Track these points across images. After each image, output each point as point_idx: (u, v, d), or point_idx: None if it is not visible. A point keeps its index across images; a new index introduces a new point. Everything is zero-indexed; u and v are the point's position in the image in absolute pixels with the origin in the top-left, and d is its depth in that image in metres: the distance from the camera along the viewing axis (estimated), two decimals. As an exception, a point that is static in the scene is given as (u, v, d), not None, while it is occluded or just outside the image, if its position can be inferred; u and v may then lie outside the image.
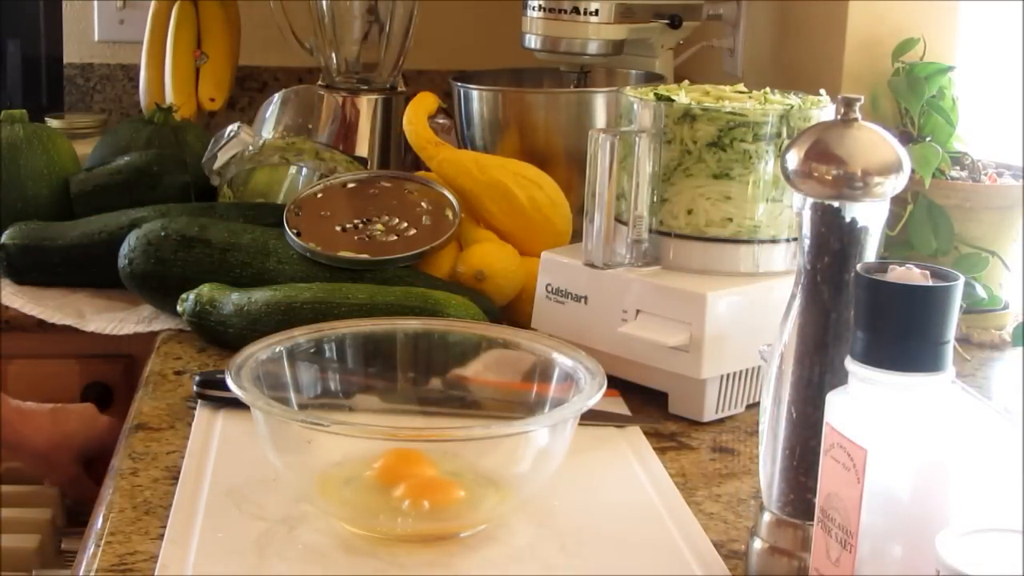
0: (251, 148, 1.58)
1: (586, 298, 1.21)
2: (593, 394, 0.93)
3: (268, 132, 1.73)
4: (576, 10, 1.60)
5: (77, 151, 1.73)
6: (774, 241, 1.18)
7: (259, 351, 0.97)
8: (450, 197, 1.43)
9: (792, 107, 1.17)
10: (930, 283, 0.72)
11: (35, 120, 1.75)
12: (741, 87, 1.26)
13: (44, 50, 2.07)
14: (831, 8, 1.53)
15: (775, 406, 0.84)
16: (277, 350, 0.99)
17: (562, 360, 1.01)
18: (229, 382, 0.91)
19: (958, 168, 1.39)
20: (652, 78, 1.62)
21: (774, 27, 1.70)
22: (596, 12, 1.60)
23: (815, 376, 0.82)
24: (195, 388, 1.15)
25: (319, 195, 1.44)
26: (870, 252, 0.81)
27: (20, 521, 1.29)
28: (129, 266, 1.40)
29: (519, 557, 0.90)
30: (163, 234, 1.38)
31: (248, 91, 2.22)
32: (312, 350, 1.01)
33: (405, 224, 1.40)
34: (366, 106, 1.75)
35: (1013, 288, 1.38)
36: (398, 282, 1.34)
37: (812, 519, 0.79)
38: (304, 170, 1.56)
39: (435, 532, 0.92)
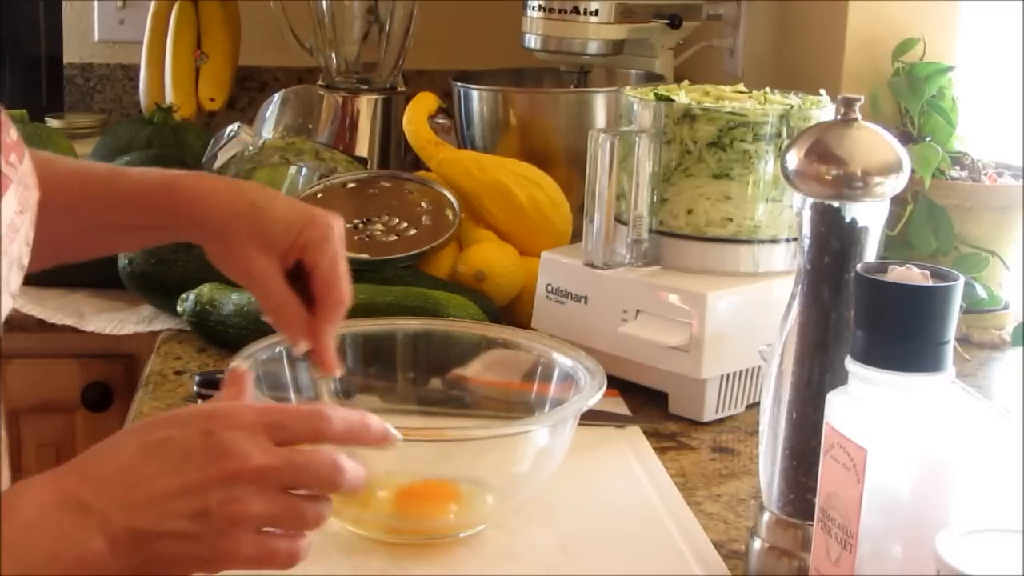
0: (251, 148, 1.58)
1: (586, 298, 1.21)
2: (593, 394, 0.93)
3: (268, 132, 1.73)
4: (576, 10, 1.60)
5: (77, 151, 1.73)
6: (774, 241, 1.18)
7: (259, 351, 0.97)
8: (450, 197, 1.43)
9: (792, 107, 1.17)
10: (930, 283, 0.72)
11: (35, 120, 1.75)
12: (741, 87, 1.26)
13: (44, 50, 2.07)
14: (831, 8, 1.53)
15: (775, 406, 0.84)
16: (277, 350, 0.99)
17: (562, 360, 1.01)
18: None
19: (958, 168, 1.39)
20: (652, 78, 1.62)
21: (774, 27, 1.70)
22: (596, 12, 1.60)
23: (815, 376, 0.82)
24: (195, 388, 1.15)
25: (319, 195, 1.44)
26: (870, 252, 0.81)
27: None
28: (129, 266, 1.40)
29: (519, 557, 0.90)
30: (163, 234, 1.38)
31: (248, 91, 2.22)
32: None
33: (405, 224, 1.40)
34: (366, 106, 1.75)
35: (1013, 288, 1.38)
36: (398, 282, 1.34)
37: (812, 519, 0.79)
38: (304, 170, 1.56)
39: (435, 532, 0.92)
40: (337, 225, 0.95)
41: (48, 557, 0.68)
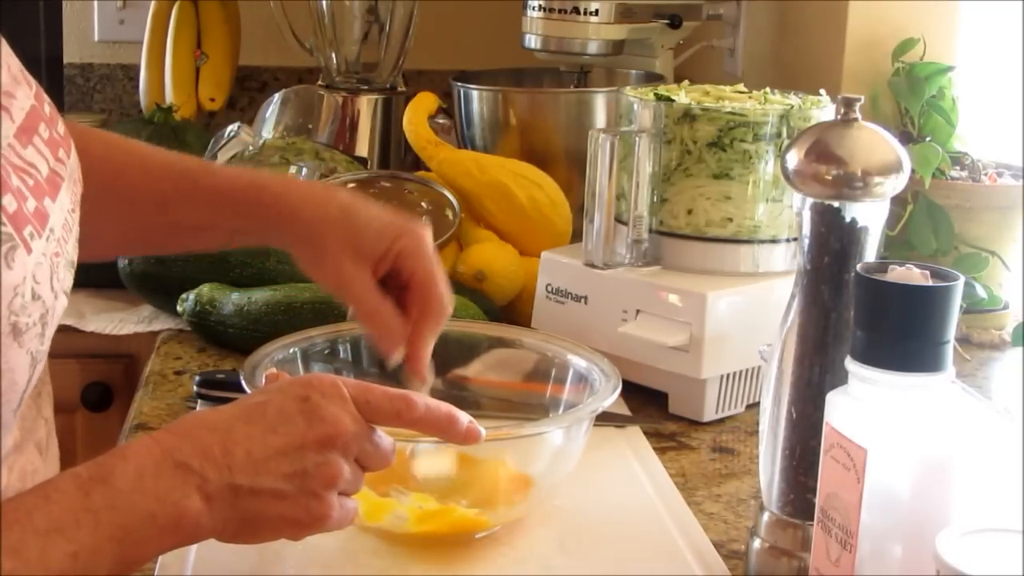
0: (251, 148, 1.58)
1: (586, 298, 1.21)
2: (608, 395, 0.93)
3: (268, 132, 1.73)
4: (576, 10, 1.60)
5: (77, 151, 1.73)
6: (774, 241, 1.18)
7: (275, 351, 0.96)
8: (450, 197, 1.43)
9: (792, 107, 1.17)
10: (930, 283, 0.72)
11: (35, 120, 1.74)
12: (741, 87, 1.26)
13: (44, 50, 2.06)
14: (831, 8, 1.53)
15: (775, 406, 0.84)
16: (292, 351, 0.98)
17: (576, 362, 1.01)
18: (243, 382, 0.90)
19: (958, 168, 1.39)
20: (652, 78, 1.62)
21: (774, 27, 1.70)
22: (596, 12, 1.60)
23: (815, 376, 0.82)
24: (195, 388, 1.14)
25: (319, 195, 1.44)
26: (870, 252, 0.81)
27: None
28: (129, 266, 1.40)
29: (519, 557, 0.90)
30: (163, 234, 1.38)
31: (248, 91, 2.22)
32: (327, 351, 1.00)
33: (405, 224, 1.40)
34: (366, 106, 1.75)
35: (1013, 288, 1.38)
36: (398, 282, 1.34)
37: (812, 519, 0.79)
38: (304, 170, 1.56)
39: (446, 533, 0.91)
40: (427, 234, 0.95)
41: (146, 517, 0.69)
